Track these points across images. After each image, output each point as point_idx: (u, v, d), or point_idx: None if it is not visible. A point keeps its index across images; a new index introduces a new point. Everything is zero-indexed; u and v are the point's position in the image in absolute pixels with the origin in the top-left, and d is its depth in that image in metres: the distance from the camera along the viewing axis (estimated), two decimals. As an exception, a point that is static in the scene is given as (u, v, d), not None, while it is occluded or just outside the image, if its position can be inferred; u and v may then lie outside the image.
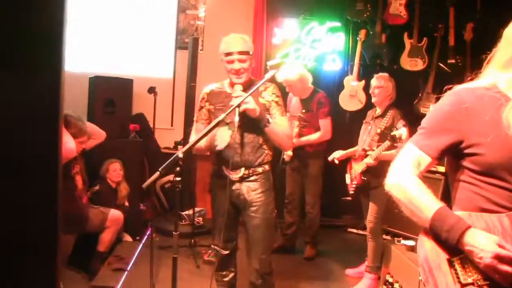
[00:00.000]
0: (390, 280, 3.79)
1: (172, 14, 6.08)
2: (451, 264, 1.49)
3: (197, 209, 5.31)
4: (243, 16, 6.04)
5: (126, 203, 4.69)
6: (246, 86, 2.82)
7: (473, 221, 1.49)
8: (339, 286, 4.15)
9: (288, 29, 5.90)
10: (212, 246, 4.51)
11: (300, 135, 4.53)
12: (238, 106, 2.54)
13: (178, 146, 5.84)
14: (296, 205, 4.81)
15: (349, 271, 4.41)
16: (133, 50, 5.98)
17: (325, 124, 4.56)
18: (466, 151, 1.52)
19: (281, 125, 2.85)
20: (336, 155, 4.22)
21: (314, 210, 4.76)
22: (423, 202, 1.53)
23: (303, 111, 4.55)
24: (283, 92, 3.59)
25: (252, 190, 2.85)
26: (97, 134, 4.26)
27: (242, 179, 2.85)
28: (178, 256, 4.27)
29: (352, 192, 4.12)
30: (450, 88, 1.61)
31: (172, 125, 6.08)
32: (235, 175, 2.83)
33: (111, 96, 5.01)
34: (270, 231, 2.99)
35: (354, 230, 5.85)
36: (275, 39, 5.92)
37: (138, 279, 3.77)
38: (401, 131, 3.50)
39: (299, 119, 4.55)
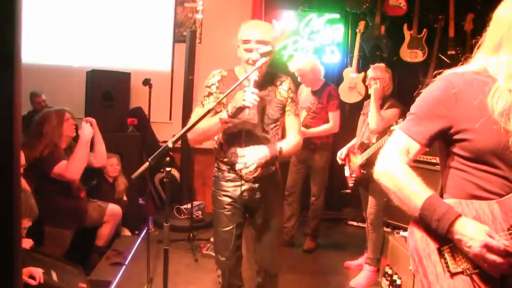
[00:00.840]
0: (389, 272, 3.77)
1: (170, 7, 6.04)
2: (440, 253, 1.48)
3: (195, 202, 5.30)
4: (241, 8, 6.00)
5: (125, 198, 4.69)
6: (263, 78, 2.58)
7: (463, 208, 1.47)
8: (338, 279, 4.12)
9: (286, 21, 5.85)
10: (211, 239, 4.49)
11: (307, 126, 4.51)
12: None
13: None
14: (297, 197, 4.78)
15: (349, 263, 4.38)
16: (130, 44, 5.95)
17: (335, 116, 4.57)
18: (455, 137, 1.50)
19: (291, 143, 2.62)
20: (341, 156, 4.23)
21: (319, 202, 4.77)
22: (412, 191, 1.50)
23: (312, 102, 4.54)
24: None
25: (265, 189, 2.66)
26: (100, 156, 4.12)
27: (256, 179, 2.62)
28: (176, 250, 4.31)
29: (351, 184, 4.11)
30: (440, 73, 1.58)
31: (170, 119, 6.05)
32: (250, 175, 2.59)
33: (109, 90, 4.99)
34: (280, 232, 2.85)
35: (354, 223, 5.83)
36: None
37: (136, 273, 3.77)
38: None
39: (308, 110, 4.55)
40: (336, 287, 3.95)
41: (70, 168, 3.65)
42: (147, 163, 1.86)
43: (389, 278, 3.74)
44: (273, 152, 2.46)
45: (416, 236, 1.53)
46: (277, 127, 2.64)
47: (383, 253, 4.08)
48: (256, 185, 2.64)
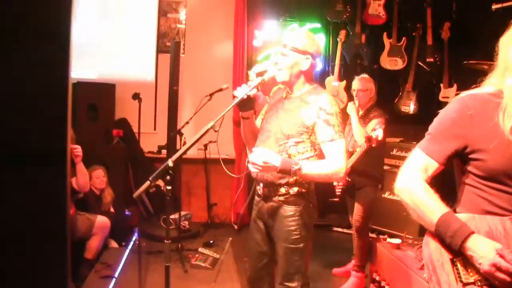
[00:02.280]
0: (377, 278, 3.84)
1: (153, 18, 6.05)
2: (453, 263, 1.55)
3: (182, 213, 5.30)
4: (224, 19, 6.05)
5: (111, 209, 4.67)
6: (298, 91, 2.50)
7: (477, 223, 1.55)
8: (326, 286, 4.17)
9: (268, 31, 5.93)
10: (199, 249, 4.51)
11: None
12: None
13: (162, 150, 5.82)
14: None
15: (336, 270, 4.44)
16: (114, 55, 5.93)
17: None
18: (470, 156, 1.59)
19: (319, 166, 2.32)
20: None
21: None
22: (429, 207, 1.59)
23: None
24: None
25: (271, 211, 2.43)
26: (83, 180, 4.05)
27: (265, 198, 2.45)
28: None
29: (339, 193, 4.16)
30: (458, 94, 1.67)
31: (155, 129, 6.05)
32: (259, 191, 2.46)
33: (94, 102, 4.99)
34: (292, 259, 2.43)
35: (339, 229, 5.90)
36: (256, 41, 5.94)
37: (127, 285, 3.76)
38: (378, 132, 3.58)
39: None
40: (325, 294, 4.00)
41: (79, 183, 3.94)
42: (148, 182, 1.89)
43: (377, 284, 3.81)
44: (285, 165, 2.21)
45: (431, 247, 1.61)
46: (288, 144, 2.39)
47: (370, 260, 4.15)
48: (264, 203, 2.48)
